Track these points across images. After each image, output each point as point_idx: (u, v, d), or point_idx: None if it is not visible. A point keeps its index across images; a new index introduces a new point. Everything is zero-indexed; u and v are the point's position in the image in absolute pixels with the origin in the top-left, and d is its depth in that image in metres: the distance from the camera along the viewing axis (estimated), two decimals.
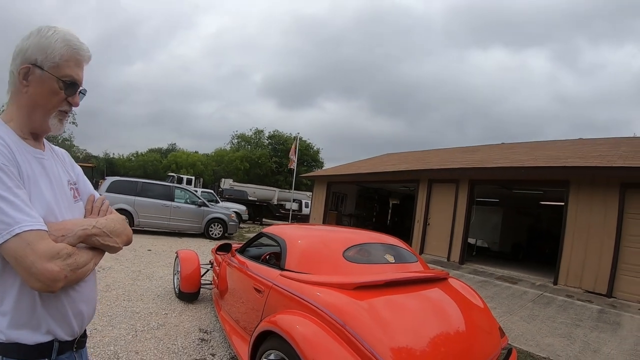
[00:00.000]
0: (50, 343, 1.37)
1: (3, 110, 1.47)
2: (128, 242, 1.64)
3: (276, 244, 4.21)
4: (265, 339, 3.09)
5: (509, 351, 3.37)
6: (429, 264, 4.61)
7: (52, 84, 1.40)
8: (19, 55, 1.39)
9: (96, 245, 1.46)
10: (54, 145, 1.66)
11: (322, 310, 2.80)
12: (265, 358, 3.04)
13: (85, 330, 1.60)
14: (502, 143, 18.84)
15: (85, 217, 1.60)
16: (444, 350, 2.76)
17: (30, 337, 1.31)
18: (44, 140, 1.57)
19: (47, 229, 1.26)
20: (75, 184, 1.63)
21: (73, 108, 1.51)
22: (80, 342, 1.54)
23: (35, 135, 1.49)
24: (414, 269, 4.06)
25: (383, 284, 3.14)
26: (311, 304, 2.92)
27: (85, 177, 1.77)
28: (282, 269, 3.60)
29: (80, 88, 1.50)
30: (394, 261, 3.99)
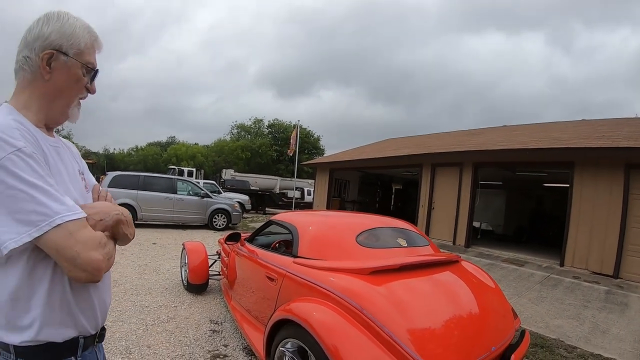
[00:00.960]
0: (77, 339, 1.33)
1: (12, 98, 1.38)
2: (131, 237, 1.59)
3: (287, 231, 4.16)
4: (281, 328, 3.06)
5: (522, 332, 3.36)
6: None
7: (77, 71, 1.37)
8: (38, 40, 1.31)
9: (118, 234, 1.43)
10: (61, 137, 1.60)
11: (338, 296, 2.77)
12: (281, 347, 3.01)
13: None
14: (505, 125, 18.75)
15: None
16: (460, 332, 2.75)
17: (60, 334, 1.26)
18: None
19: (86, 216, 1.23)
20: (82, 174, 1.58)
21: (92, 94, 1.49)
22: (100, 335, 1.50)
23: (48, 126, 1.43)
24: (426, 253, 4.02)
25: (398, 268, 3.11)
26: (327, 290, 2.89)
27: (88, 170, 1.71)
28: (295, 256, 3.55)
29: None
30: (406, 245, 3.94)
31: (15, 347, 1.21)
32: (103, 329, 1.53)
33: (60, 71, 1.34)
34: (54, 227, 1.12)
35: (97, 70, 1.45)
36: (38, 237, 1.11)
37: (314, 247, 3.57)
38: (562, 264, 10.10)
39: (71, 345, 1.31)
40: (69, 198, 1.22)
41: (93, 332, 1.41)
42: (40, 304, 1.21)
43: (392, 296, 2.76)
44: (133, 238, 1.57)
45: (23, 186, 1.10)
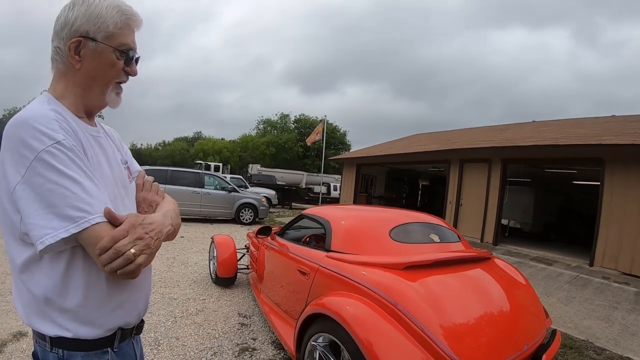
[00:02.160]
0: (114, 333, 1.30)
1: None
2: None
3: (319, 226, 4.12)
4: (313, 323, 3.03)
5: (553, 332, 3.28)
6: None
7: (109, 56, 1.29)
8: (65, 28, 1.25)
9: (166, 240, 1.37)
10: (103, 124, 1.56)
11: (372, 291, 2.74)
12: (313, 342, 2.97)
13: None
14: (533, 121, 18.39)
15: (137, 193, 1.51)
16: (492, 330, 2.69)
17: (97, 331, 1.24)
18: (96, 118, 1.47)
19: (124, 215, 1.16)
20: (126, 163, 1.54)
21: (133, 76, 1.42)
22: (138, 327, 1.47)
23: (89, 113, 1.39)
24: (458, 249, 3.95)
25: (431, 263, 3.06)
26: (361, 284, 2.85)
27: (132, 156, 1.66)
28: (328, 250, 3.51)
29: (137, 55, 1.39)
30: (438, 241, 3.88)
31: (51, 338, 1.19)
32: (142, 321, 1.50)
33: (91, 58, 1.28)
34: (93, 224, 1.07)
35: (134, 51, 1.36)
36: (75, 233, 1.06)
37: (347, 241, 3.53)
38: (591, 264, 9.83)
39: (108, 337, 1.28)
40: (107, 197, 1.18)
41: (132, 325, 1.39)
42: (77, 304, 1.18)
43: (425, 292, 2.71)
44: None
45: (63, 180, 1.07)
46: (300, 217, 4.79)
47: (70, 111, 1.27)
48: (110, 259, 1.06)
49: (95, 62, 1.28)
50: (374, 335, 2.46)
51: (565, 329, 5.47)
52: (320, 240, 4.48)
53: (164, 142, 71.70)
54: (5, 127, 1.12)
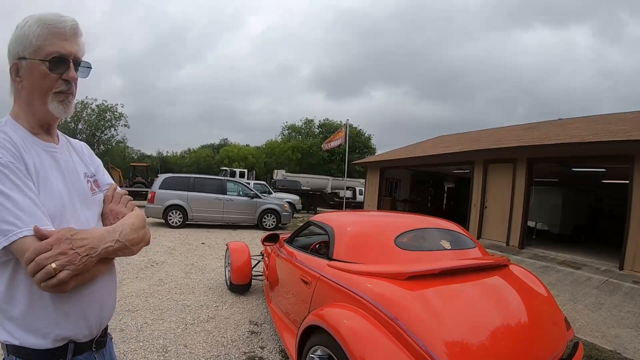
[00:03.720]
0: (65, 345, 1.32)
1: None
2: (145, 245, 1.54)
3: (324, 233, 4.02)
4: (312, 334, 2.93)
5: (575, 345, 3.07)
6: (487, 249, 4.29)
7: (39, 68, 1.32)
8: (8, 57, 1.36)
9: (112, 256, 1.36)
10: (71, 138, 1.62)
11: (371, 303, 2.60)
12: (311, 354, 2.88)
13: (106, 329, 1.55)
14: (559, 119, 18.01)
15: (105, 205, 1.54)
16: (505, 345, 2.50)
17: (44, 341, 1.26)
18: (59, 133, 1.53)
19: (51, 230, 1.19)
20: (93, 176, 1.58)
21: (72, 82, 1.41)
22: (99, 342, 1.47)
23: (46, 127, 1.43)
24: (472, 256, 3.74)
25: (438, 273, 2.88)
26: (360, 296, 2.72)
27: (104, 169, 1.72)
28: (330, 259, 3.41)
29: (76, 60, 1.40)
30: (450, 247, 3.68)
31: (6, 345, 1.27)
32: (103, 336, 1.50)
33: (27, 75, 1.33)
34: (21, 237, 1.12)
35: (64, 57, 1.35)
36: (6, 246, 1.11)
37: (350, 249, 3.41)
38: (621, 267, 9.48)
39: (58, 350, 1.30)
40: (40, 210, 1.21)
41: (86, 339, 1.39)
42: (21, 312, 1.23)
43: (429, 304, 2.57)
44: (146, 245, 1.53)
45: None
46: (308, 224, 4.70)
47: (25, 129, 1.36)
48: (32, 271, 1.09)
49: (30, 77, 1.33)
50: (369, 352, 2.34)
51: (592, 339, 5.26)
52: (328, 247, 4.41)
53: (189, 149, 72.49)
54: None
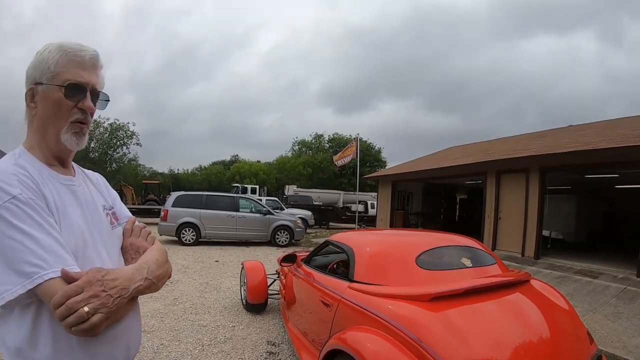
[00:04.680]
0: None
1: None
2: (168, 279, 1.51)
3: (343, 252, 3.97)
4: (335, 357, 2.88)
5: (599, 359, 3.01)
6: (503, 261, 4.22)
7: (55, 94, 1.28)
8: (25, 83, 1.32)
9: (140, 294, 1.32)
10: (85, 169, 1.57)
11: (395, 326, 2.55)
12: None
13: None
14: (570, 125, 17.86)
15: (124, 238, 1.49)
16: None
17: None
18: (74, 165, 1.48)
19: (78, 271, 1.13)
20: (111, 209, 1.52)
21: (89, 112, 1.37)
22: None
23: (60, 159, 1.39)
24: (493, 272, 3.67)
25: (462, 292, 2.84)
26: (383, 318, 2.67)
27: (121, 201, 1.66)
28: (351, 280, 3.35)
29: (93, 90, 1.36)
30: (470, 265, 3.62)
31: None
32: None
33: (42, 101, 1.30)
34: (46, 280, 1.06)
35: (81, 86, 1.31)
36: (32, 289, 1.06)
37: (371, 270, 3.35)
38: (638, 274, 9.24)
39: None
40: (64, 250, 1.15)
41: None
42: (46, 354, 1.15)
43: (454, 325, 2.51)
44: (168, 278, 1.49)
45: (18, 235, 1.07)
46: (325, 244, 4.64)
47: (40, 160, 1.31)
48: (62, 315, 1.03)
49: (44, 103, 1.29)
50: None
51: (613, 349, 5.16)
52: (346, 266, 4.35)
53: (200, 166, 72.84)
54: None
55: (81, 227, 1.29)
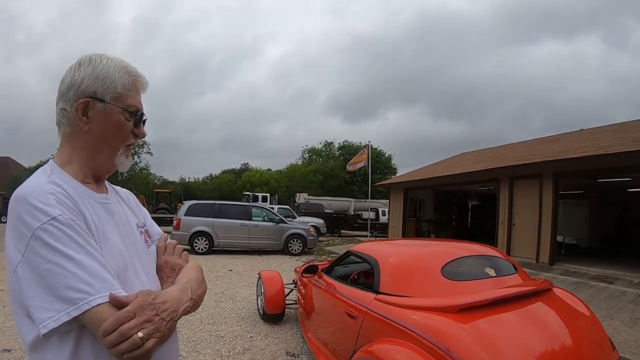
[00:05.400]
0: None
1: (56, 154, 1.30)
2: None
3: (366, 263, 3.95)
4: None
5: None
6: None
7: (118, 117, 1.24)
8: (71, 89, 1.21)
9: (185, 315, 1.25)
10: (116, 186, 1.50)
11: (424, 338, 2.53)
12: None
13: None
14: (581, 129, 17.78)
15: (158, 257, 1.43)
16: None
17: None
18: (106, 182, 1.41)
19: (127, 295, 1.06)
20: (144, 227, 1.46)
21: (141, 139, 1.38)
22: None
23: (97, 177, 1.33)
24: (516, 282, 3.66)
25: (488, 303, 2.82)
26: (412, 330, 2.65)
27: (150, 218, 1.60)
28: (377, 292, 3.33)
29: (145, 117, 1.35)
30: (494, 275, 3.61)
31: None
32: None
33: (100, 120, 1.23)
34: (94, 306, 0.99)
35: (142, 113, 1.33)
36: (77, 316, 0.98)
37: (397, 282, 3.34)
38: None
39: None
40: (109, 273, 1.08)
41: None
42: None
43: (481, 335, 2.51)
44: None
45: (60, 259, 1.00)
46: (347, 254, 4.59)
47: (75, 178, 1.23)
48: (114, 342, 0.96)
49: (104, 123, 1.23)
50: None
51: (632, 356, 5.11)
52: (368, 277, 4.30)
53: (211, 175, 73.05)
54: (9, 202, 1.09)
55: (120, 248, 1.23)
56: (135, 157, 45.23)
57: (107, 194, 1.36)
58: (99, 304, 0.99)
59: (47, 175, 1.17)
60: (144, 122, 1.35)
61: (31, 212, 1.03)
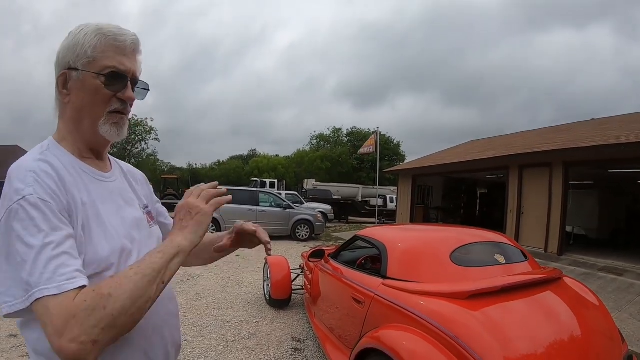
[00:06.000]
0: None
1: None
2: None
3: (374, 248, 3.89)
4: (367, 356, 2.82)
5: (630, 358, 2.91)
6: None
7: (92, 82, 1.15)
8: (55, 67, 1.19)
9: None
10: (123, 163, 1.45)
11: (432, 324, 2.48)
12: None
13: None
14: (592, 119, 17.54)
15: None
16: None
17: None
18: (110, 157, 1.36)
19: (77, 286, 0.92)
20: (147, 207, 1.40)
21: (129, 103, 1.24)
22: None
23: (96, 151, 1.26)
24: (526, 269, 3.58)
25: (498, 290, 2.75)
26: (420, 316, 2.60)
27: (156, 198, 1.58)
28: (384, 277, 3.27)
29: (133, 79, 1.23)
30: (504, 262, 3.53)
31: None
32: None
33: (76, 89, 1.16)
34: (34, 300, 0.89)
35: (121, 74, 1.18)
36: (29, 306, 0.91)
37: (405, 267, 3.27)
38: None
39: None
40: (71, 259, 0.95)
41: None
42: None
43: (490, 323, 2.44)
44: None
45: (18, 244, 0.93)
46: (355, 238, 4.54)
47: (72, 153, 1.18)
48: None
49: (80, 92, 1.16)
50: None
51: (639, 349, 5.02)
52: (376, 262, 4.24)
53: (219, 161, 73.18)
54: None
55: (116, 228, 1.15)
56: (143, 143, 45.36)
57: (111, 170, 1.31)
58: (44, 297, 0.89)
59: (40, 151, 1.14)
60: (134, 83, 1.24)
61: (10, 190, 0.99)
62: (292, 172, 55.88)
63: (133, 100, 1.24)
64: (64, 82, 1.17)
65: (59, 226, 0.98)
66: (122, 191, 1.29)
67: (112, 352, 1.05)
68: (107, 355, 1.03)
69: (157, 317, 1.20)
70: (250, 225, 1.47)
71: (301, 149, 61.60)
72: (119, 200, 1.25)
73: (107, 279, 0.96)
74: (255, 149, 77.08)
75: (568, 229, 13.39)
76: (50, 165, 1.08)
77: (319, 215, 15.87)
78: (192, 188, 1.24)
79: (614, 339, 2.92)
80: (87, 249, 1.04)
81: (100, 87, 1.15)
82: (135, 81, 1.23)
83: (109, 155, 1.35)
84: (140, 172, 1.53)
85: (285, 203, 15.41)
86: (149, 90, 1.31)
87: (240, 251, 10.36)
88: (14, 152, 50.30)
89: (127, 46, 1.19)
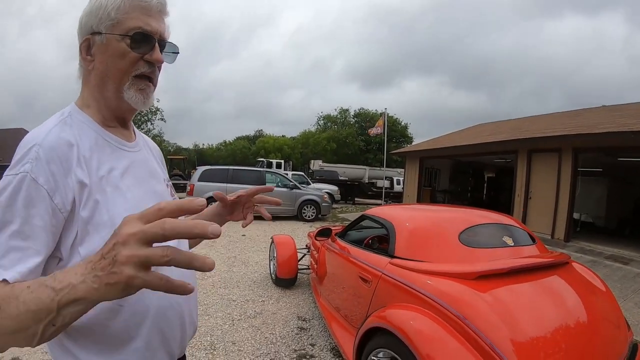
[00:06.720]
0: None
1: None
2: None
3: (382, 228, 3.85)
4: (374, 335, 2.81)
5: (634, 347, 2.86)
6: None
7: (117, 45, 1.07)
8: (78, 34, 1.11)
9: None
10: (145, 135, 1.39)
11: (439, 303, 2.46)
12: (373, 356, 2.75)
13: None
14: (603, 106, 17.32)
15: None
16: (569, 345, 2.36)
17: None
18: (135, 129, 1.29)
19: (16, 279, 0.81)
20: (169, 180, 1.37)
21: (158, 65, 1.17)
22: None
23: (122, 119, 1.20)
24: (534, 252, 3.54)
25: (506, 272, 2.72)
26: (427, 296, 2.57)
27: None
28: (392, 256, 3.23)
29: (161, 41, 1.15)
30: (512, 244, 3.47)
31: None
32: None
33: (100, 54, 1.09)
34: None
35: (149, 35, 1.10)
36: None
37: (413, 246, 3.24)
38: None
39: None
40: (21, 255, 0.86)
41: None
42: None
43: (497, 304, 2.42)
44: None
45: None
46: (362, 217, 4.50)
47: (96, 120, 1.12)
48: None
49: (105, 56, 1.09)
50: (438, 353, 2.23)
51: None
52: (383, 241, 4.21)
53: (225, 141, 73.23)
54: None
55: (137, 198, 1.11)
56: (149, 124, 45.34)
57: (135, 139, 1.26)
58: None
59: (61, 118, 1.07)
60: (162, 45, 1.16)
61: (15, 159, 0.94)
62: (297, 152, 55.81)
63: (161, 62, 1.16)
64: (87, 47, 1.10)
65: (29, 212, 0.90)
66: (147, 162, 1.26)
67: (127, 328, 1.03)
68: (122, 332, 1.02)
69: (176, 295, 1.15)
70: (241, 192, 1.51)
71: (307, 130, 61.43)
72: (143, 172, 1.21)
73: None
74: (261, 130, 77.11)
75: (575, 215, 13.31)
76: (62, 137, 1.01)
77: (325, 196, 15.83)
78: (148, 208, 0.69)
79: (620, 326, 2.90)
80: (104, 220, 0.99)
81: (125, 49, 1.09)
82: (163, 43, 1.16)
83: (134, 126, 1.30)
84: (156, 145, 1.47)
85: (291, 183, 15.36)
86: (178, 53, 1.25)
87: (246, 231, 10.42)
88: (20, 135, 50.59)
89: (152, 6, 1.11)
